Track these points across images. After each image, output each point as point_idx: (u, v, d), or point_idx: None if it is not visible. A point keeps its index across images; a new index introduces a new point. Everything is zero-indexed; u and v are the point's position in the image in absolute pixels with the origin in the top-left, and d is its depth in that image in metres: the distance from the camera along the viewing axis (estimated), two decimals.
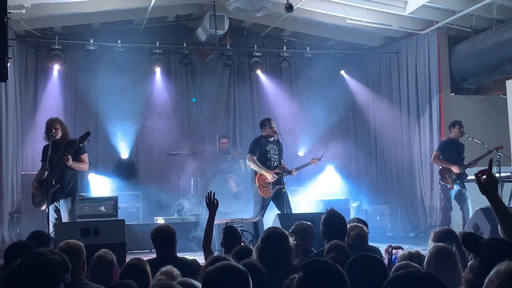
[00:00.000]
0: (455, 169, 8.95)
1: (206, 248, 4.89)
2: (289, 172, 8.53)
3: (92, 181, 10.38)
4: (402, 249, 4.17)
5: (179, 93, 12.21)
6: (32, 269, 2.39)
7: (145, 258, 4.27)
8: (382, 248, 4.82)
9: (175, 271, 3.58)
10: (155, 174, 11.90)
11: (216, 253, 4.60)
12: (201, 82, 12.39)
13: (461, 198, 8.99)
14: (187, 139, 12.21)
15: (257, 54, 12.16)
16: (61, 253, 2.66)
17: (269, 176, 8.25)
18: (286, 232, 4.14)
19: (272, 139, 8.50)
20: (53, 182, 6.87)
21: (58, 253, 2.58)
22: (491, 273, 2.08)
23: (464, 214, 8.85)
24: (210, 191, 5.20)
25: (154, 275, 3.57)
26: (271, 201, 8.40)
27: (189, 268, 4.05)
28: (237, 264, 2.69)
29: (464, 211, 8.90)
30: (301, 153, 12.03)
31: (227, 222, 7.07)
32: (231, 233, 5.28)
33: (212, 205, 5.12)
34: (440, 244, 3.73)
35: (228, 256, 3.84)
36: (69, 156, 6.88)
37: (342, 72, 12.78)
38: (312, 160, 9.08)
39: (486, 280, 2.09)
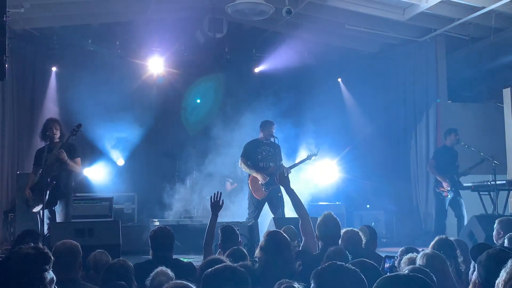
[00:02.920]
0: (445, 186, 9.01)
1: (207, 248, 4.89)
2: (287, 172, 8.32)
3: (87, 181, 10.36)
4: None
5: (177, 95, 12.22)
6: (12, 263, 2.59)
7: (140, 260, 4.28)
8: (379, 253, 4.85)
9: (170, 272, 3.58)
10: (150, 176, 11.89)
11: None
12: (199, 85, 12.40)
13: (455, 205, 9.02)
14: (184, 141, 12.22)
15: (256, 57, 12.18)
16: (42, 246, 2.77)
17: (260, 177, 8.20)
18: None
19: (267, 141, 8.45)
20: (48, 180, 6.85)
21: (38, 246, 2.69)
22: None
23: (459, 221, 8.87)
24: (217, 192, 5.21)
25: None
26: (266, 204, 8.35)
27: (184, 270, 4.05)
28: (237, 266, 2.70)
29: (458, 218, 8.92)
30: (298, 160, 12.00)
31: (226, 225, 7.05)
32: (229, 233, 5.24)
33: (216, 205, 5.14)
34: (429, 251, 3.74)
35: (225, 258, 3.84)
36: (62, 150, 6.88)
37: (339, 80, 12.85)
38: (307, 156, 8.89)
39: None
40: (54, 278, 2.69)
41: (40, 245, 2.78)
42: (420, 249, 4.81)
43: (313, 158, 8.92)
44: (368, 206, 11.74)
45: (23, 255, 2.63)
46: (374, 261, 4.04)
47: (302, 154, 11.76)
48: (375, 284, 2.26)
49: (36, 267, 2.62)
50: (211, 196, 5.22)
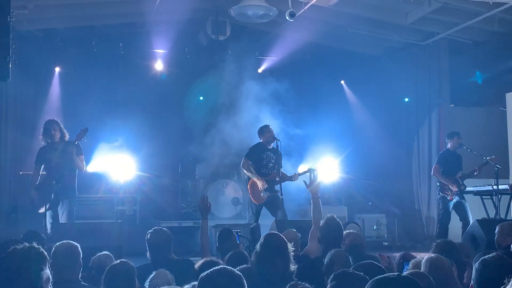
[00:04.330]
0: (454, 188, 8.91)
1: (204, 251, 4.90)
2: (290, 178, 8.36)
3: (90, 182, 10.37)
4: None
5: (179, 97, 12.23)
6: (10, 261, 2.63)
7: (140, 263, 4.27)
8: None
9: (169, 274, 3.58)
10: (152, 177, 11.88)
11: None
12: (202, 87, 12.41)
13: (460, 209, 8.93)
14: (186, 143, 12.22)
15: (258, 59, 12.19)
16: (37, 245, 2.81)
17: (259, 184, 8.21)
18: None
19: (270, 146, 8.46)
20: (54, 182, 6.88)
21: (34, 246, 2.73)
22: None
23: (464, 225, 8.80)
24: (203, 196, 5.22)
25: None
26: (265, 207, 8.35)
27: (184, 268, 4.05)
28: (232, 269, 2.71)
29: (464, 222, 8.84)
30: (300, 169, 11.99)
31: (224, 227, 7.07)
32: (226, 235, 5.25)
33: (204, 209, 5.14)
34: (433, 255, 3.74)
35: (219, 260, 3.84)
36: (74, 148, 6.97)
37: (342, 82, 12.85)
38: (308, 169, 8.82)
39: None
40: (50, 277, 2.72)
41: (35, 244, 2.81)
42: (420, 254, 4.81)
43: (314, 172, 8.83)
44: (370, 203, 11.71)
45: (21, 254, 2.67)
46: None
47: (306, 156, 11.81)
48: (366, 286, 2.29)
49: (34, 265, 2.65)
50: (199, 200, 5.23)
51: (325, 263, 3.92)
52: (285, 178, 8.37)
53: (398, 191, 11.96)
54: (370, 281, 2.30)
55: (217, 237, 5.26)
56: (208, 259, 3.85)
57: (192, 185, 11.29)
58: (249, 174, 8.36)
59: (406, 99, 12.05)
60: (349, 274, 2.80)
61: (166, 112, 11.90)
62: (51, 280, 2.72)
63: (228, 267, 2.75)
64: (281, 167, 8.51)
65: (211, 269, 2.65)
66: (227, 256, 4.27)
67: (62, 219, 7.02)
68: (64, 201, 7.07)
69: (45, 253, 2.76)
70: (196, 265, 3.61)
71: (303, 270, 4.03)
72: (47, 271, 2.71)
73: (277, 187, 8.20)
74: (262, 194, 8.20)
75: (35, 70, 11.21)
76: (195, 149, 12.08)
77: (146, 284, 3.56)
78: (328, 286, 2.74)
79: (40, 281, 2.64)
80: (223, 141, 11.75)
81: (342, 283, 2.70)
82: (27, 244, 2.75)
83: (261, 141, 8.52)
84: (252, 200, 8.27)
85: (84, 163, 7.39)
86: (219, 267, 2.71)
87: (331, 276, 2.79)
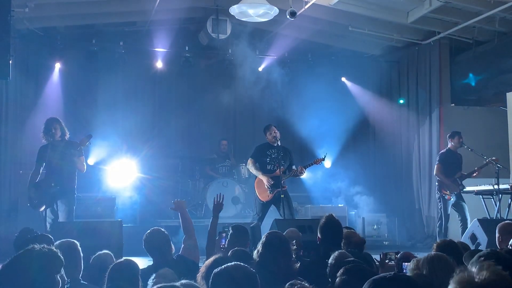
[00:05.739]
0: (454, 189, 8.94)
1: (210, 250, 4.88)
2: (295, 172, 8.21)
3: (90, 181, 10.36)
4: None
5: (180, 96, 12.21)
6: (26, 261, 2.59)
7: (141, 264, 4.26)
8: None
9: (172, 273, 3.57)
10: (153, 176, 11.87)
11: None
12: (202, 86, 12.40)
13: (459, 208, 8.97)
14: (186, 142, 12.21)
15: (259, 58, 12.17)
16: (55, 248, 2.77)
17: (265, 180, 8.20)
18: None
19: (275, 144, 8.43)
20: (52, 184, 6.88)
21: (51, 248, 2.69)
22: None
23: (463, 224, 8.82)
24: (220, 194, 5.23)
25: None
26: (273, 205, 8.33)
27: (187, 268, 4.03)
28: (246, 265, 2.70)
29: (462, 221, 8.87)
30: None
31: (224, 227, 7.04)
32: (241, 233, 5.16)
33: (218, 207, 5.15)
34: (435, 253, 3.72)
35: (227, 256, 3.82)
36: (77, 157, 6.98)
37: (344, 79, 12.82)
38: (314, 160, 8.62)
39: None
40: (60, 281, 2.69)
41: (52, 247, 2.78)
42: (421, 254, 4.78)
43: (320, 162, 8.79)
44: (353, 201, 11.67)
45: (38, 255, 2.62)
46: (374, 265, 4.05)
47: (308, 155, 11.79)
48: (363, 286, 2.29)
49: (50, 268, 2.61)
50: (214, 198, 5.23)
51: (330, 264, 3.87)
52: (290, 173, 8.32)
53: (399, 190, 11.95)
54: (368, 281, 2.30)
55: (229, 234, 5.20)
56: (217, 256, 3.83)
57: (192, 184, 11.27)
58: (254, 172, 8.42)
59: (402, 101, 12.03)
60: (360, 269, 2.82)
61: (166, 111, 11.89)
62: (60, 284, 2.70)
63: (241, 263, 2.73)
64: (293, 164, 8.46)
65: (225, 265, 2.64)
66: (229, 253, 4.24)
67: (62, 217, 7.01)
68: (63, 201, 7.06)
69: (62, 257, 2.72)
70: (207, 262, 3.58)
71: (303, 269, 4.03)
72: (62, 275, 2.67)
73: (283, 183, 8.15)
74: (269, 191, 8.20)
75: (35, 69, 11.20)
76: (196, 149, 12.08)
77: (150, 282, 3.54)
78: (338, 279, 2.73)
79: (54, 283, 2.61)
80: (224, 138, 11.75)
81: (353, 277, 2.71)
82: (45, 246, 2.71)
83: (267, 139, 8.53)
84: (259, 198, 8.27)
85: (85, 164, 7.37)
86: (233, 263, 2.69)
87: (341, 270, 2.80)
